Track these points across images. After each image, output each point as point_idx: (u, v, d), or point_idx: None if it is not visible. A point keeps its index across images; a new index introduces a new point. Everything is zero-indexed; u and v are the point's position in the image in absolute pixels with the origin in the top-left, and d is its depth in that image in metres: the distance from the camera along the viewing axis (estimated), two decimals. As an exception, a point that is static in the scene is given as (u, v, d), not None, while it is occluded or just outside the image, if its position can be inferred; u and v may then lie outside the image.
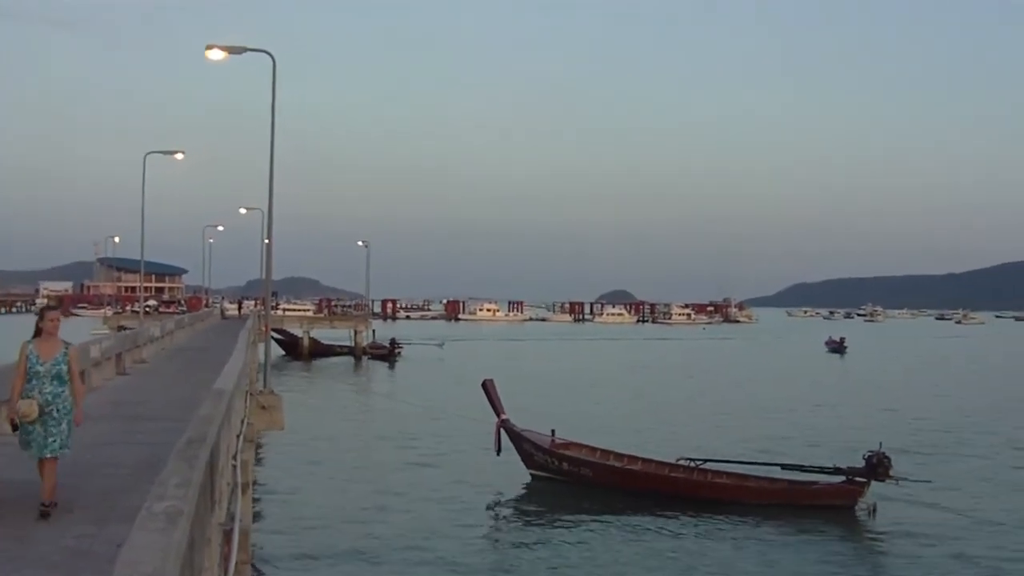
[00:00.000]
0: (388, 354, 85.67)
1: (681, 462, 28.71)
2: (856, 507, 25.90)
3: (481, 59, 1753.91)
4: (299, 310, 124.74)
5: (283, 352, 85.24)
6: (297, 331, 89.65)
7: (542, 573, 20.14)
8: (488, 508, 26.77)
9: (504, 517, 26.13)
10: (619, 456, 29.80)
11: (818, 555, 22.05)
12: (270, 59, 28.21)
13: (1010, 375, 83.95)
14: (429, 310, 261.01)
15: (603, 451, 30.10)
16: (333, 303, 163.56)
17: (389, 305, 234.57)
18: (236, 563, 9.66)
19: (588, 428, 36.68)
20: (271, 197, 30.08)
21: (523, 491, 28.46)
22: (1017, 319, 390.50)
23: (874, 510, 25.63)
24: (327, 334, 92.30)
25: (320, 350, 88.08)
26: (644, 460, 29.44)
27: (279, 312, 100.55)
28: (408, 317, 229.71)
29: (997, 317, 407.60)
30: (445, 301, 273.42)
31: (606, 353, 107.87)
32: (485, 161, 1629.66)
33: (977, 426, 44.74)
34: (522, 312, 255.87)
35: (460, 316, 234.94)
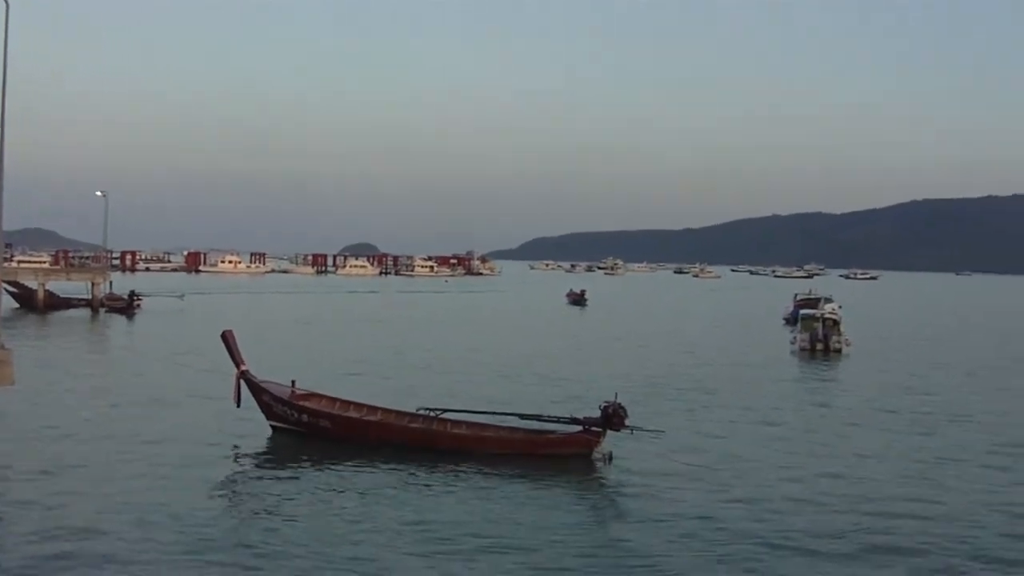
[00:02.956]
0: (127, 307, 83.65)
1: (421, 412, 28.84)
2: (592, 456, 26.47)
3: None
4: (34, 262, 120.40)
5: (16, 305, 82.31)
6: (32, 283, 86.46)
7: (274, 524, 19.97)
8: (225, 460, 26.34)
9: (241, 469, 25.75)
10: (359, 407, 29.71)
11: (555, 502, 22.47)
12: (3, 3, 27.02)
13: (749, 327, 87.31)
14: (170, 262, 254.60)
15: (343, 402, 29.98)
16: (70, 255, 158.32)
17: (129, 257, 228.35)
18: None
19: (329, 380, 36.60)
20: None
21: (262, 443, 28.11)
22: (752, 272, 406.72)
23: (610, 458, 26.30)
24: (64, 287, 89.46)
25: (56, 303, 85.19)
26: (384, 411, 29.44)
27: (13, 264, 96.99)
28: (148, 269, 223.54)
29: (733, 271, 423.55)
30: (186, 253, 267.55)
31: (348, 305, 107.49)
32: (229, 110, 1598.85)
33: (711, 377, 46.39)
34: (264, 264, 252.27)
35: (201, 268, 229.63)
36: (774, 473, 26.06)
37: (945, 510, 22.31)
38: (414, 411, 29.06)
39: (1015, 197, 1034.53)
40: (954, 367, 54.78)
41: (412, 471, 24.72)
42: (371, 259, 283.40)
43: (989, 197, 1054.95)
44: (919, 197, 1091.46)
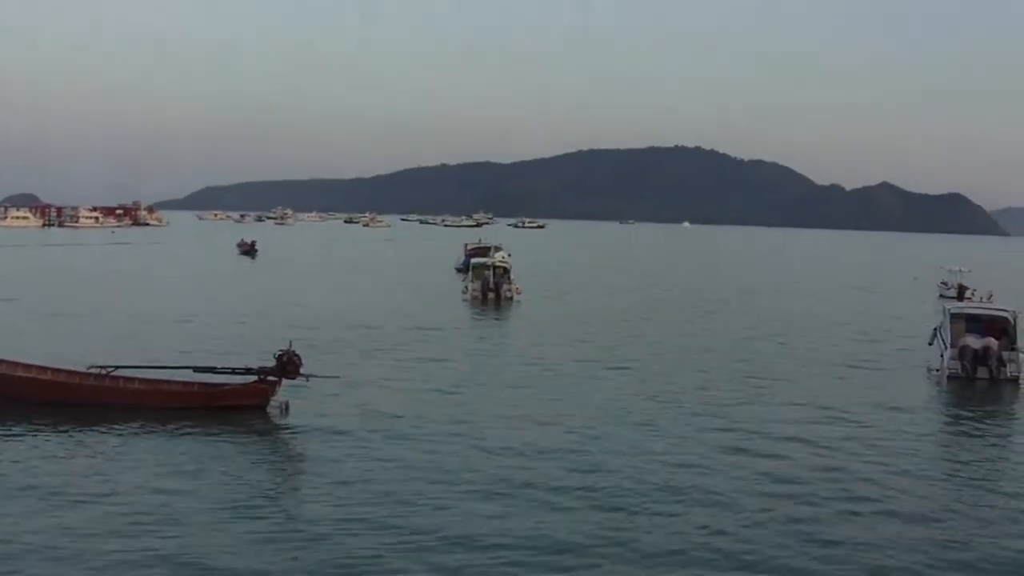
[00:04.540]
0: None
1: (92, 370, 28.39)
2: (269, 406, 26.82)
3: None
4: None
5: None
6: None
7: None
8: None
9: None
10: (27, 367, 28.91)
11: (232, 453, 22.67)
12: None
13: (421, 275, 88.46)
14: None
15: (9, 363, 29.06)
16: None
17: None
18: None
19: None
20: None
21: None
22: (422, 222, 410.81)
23: (286, 407, 26.67)
24: None
25: None
26: (54, 370, 28.76)
27: None
28: None
29: (402, 220, 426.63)
30: None
31: (11, 259, 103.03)
32: None
33: (385, 324, 47.21)
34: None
35: None
36: (445, 411, 27.32)
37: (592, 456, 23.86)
38: (85, 369, 28.56)
39: (677, 148, 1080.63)
40: (614, 311, 57.57)
41: (83, 431, 24.26)
42: (33, 210, 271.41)
43: (651, 148, 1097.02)
44: (585, 147, 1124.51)
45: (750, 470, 21.96)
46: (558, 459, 22.46)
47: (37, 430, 24.31)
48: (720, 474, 21.54)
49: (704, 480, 21.02)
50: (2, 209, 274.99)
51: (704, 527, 17.98)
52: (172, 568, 15.63)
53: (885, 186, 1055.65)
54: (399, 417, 26.48)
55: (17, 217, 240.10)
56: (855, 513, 19.16)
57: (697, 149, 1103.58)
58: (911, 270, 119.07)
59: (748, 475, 21.53)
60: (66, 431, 24.25)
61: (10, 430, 24.29)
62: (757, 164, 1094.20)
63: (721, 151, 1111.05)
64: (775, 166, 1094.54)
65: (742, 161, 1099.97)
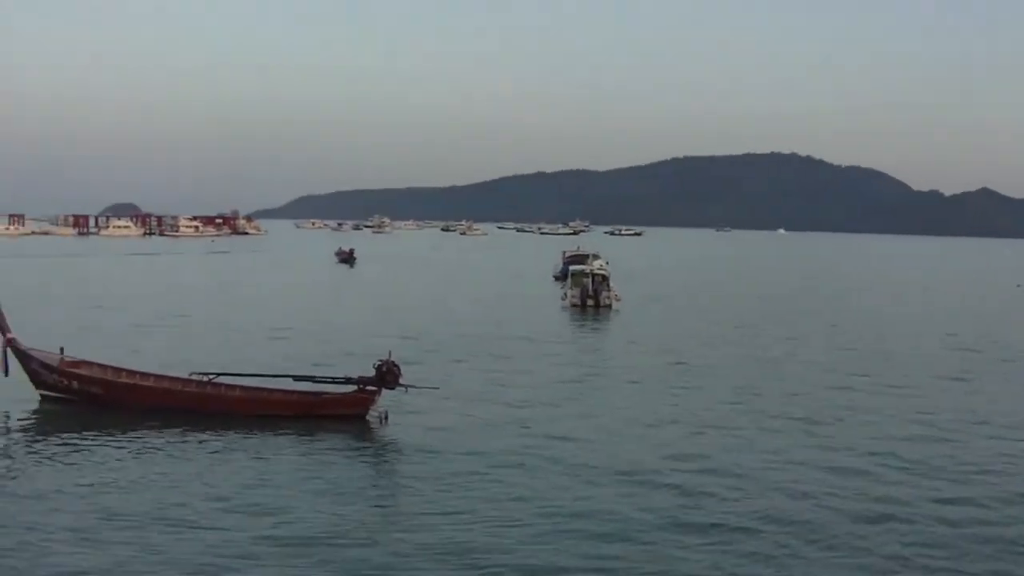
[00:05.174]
0: None
1: (194, 377, 28.59)
2: (368, 415, 26.77)
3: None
4: None
5: None
6: None
7: (45, 487, 19.69)
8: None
9: (11, 440, 25.15)
10: (131, 373, 29.23)
11: (333, 462, 22.63)
12: None
13: (519, 284, 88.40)
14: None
15: (114, 368, 29.45)
16: None
17: None
18: None
19: (99, 346, 35.84)
20: None
21: (32, 413, 27.43)
22: (518, 230, 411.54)
23: (386, 417, 26.61)
24: None
25: None
26: (156, 376, 29.07)
27: None
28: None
29: (499, 228, 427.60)
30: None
31: (114, 268, 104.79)
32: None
33: (484, 334, 47.10)
34: (23, 225, 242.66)
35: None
36: (546, 422, 26.90)
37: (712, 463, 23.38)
38: (187, 376, 28.77)
39: (772, 155, 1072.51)
40: (721, 321, 56.84)
41: (184, 437, 24.45)
42: (135, 219, 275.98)
43: (747, 155, 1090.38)
44: (680, 154, 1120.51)
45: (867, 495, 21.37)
46: (659, 474, 21.99)
47: (139, 436, 24.50)
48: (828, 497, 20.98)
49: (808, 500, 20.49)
50: (104, 219, 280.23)
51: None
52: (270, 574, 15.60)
53: (985, 192, 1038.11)
54: (499, 427, 26.25)
55: (119, 227, 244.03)
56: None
57: (793, 155, 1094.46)
58: (1016, 277, 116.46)
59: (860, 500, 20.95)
60: (168, 437, 24.39)
61: (113, 436, 24.51)
62: (853, 170, 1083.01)
63: (817, 157, 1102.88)
64: (871, 171, 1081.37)
65: (838, 167, 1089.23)
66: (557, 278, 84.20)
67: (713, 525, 18.20)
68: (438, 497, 19.61)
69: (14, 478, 21.31)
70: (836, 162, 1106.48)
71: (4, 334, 28.49)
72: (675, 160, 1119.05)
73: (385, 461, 23.70)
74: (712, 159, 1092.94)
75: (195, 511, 18.49)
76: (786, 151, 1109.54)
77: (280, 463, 22.19)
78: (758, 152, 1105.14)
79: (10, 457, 23.14)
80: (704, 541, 17.41)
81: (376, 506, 19.32)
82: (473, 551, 16.68)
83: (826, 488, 20.79)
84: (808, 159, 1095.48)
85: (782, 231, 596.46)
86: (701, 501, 19.71)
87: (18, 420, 26.71)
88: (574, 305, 60.55)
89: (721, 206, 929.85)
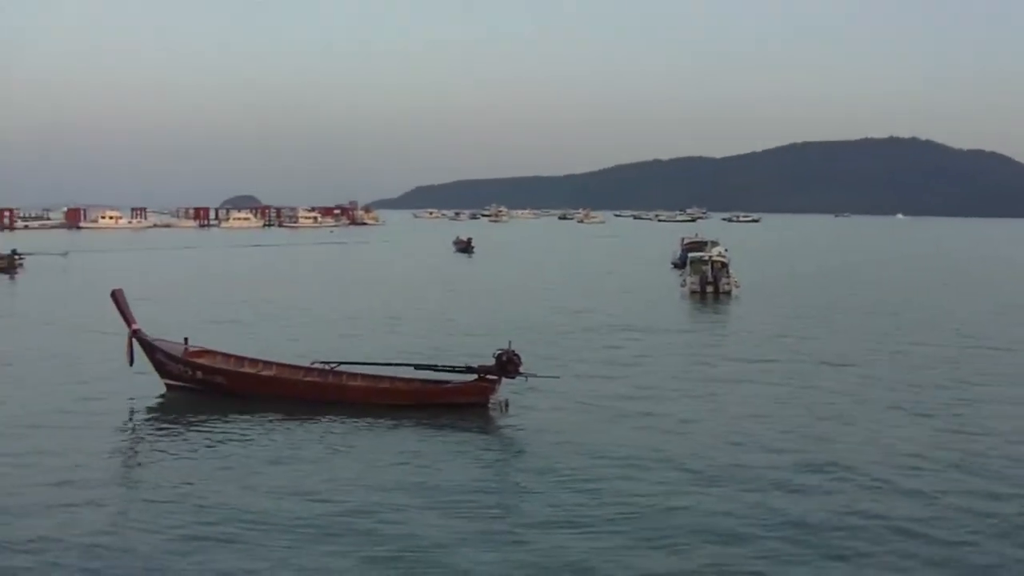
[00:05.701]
0: (9, 266, 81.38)
1: (316, 366, 28.71)
2: (489, 404, 26.61)
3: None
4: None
5: None
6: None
7: (170, 476, 19.84)
8: (122, 420, 25.98)
9: (139, 429, 25.44)
10: (253, 362, 29.48)
11: (454, 450, 22.53)
12: None
13: (637, 271, 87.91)
14: (49, 219, 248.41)
15: (237, 358, 29.71)
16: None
17: (7, 214, 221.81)
18: None
19: (224, 335, 36.19)
20: None
21: (158, 402, 27.71)
22: (635, 217, 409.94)
23: (506, 405, 26.48)
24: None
25: None
26: (279, 365, 29.26)
27: None
28: (27, 227, 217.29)
29: (616, 216, 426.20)
30: (66, 209, 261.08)
31: (235, 259, 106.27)
32: (100, 63, 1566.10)
33: (603, 322, 46.78)
34: (146, 219, 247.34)
35: (82, 224, 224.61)
36: (668, 410, 26.48)
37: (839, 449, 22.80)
38: (309, 365, 28.90)
39: (891, 139, 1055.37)
40: (844, 309, 55.73)
41: (307, 426, 24.60)
42: (254, 211, 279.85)
43: (866, 139, 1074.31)
44: (798, 140, 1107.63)
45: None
46: (783, 464, 21.47)
47: (261, 425, 24.67)
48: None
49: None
50: (224, 211, 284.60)
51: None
52: (393, 564, 15.51)
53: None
54: (619, 417, 25.89)
55: (239, 219, 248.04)
56: None
57: (912, 139, 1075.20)
58: None
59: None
60: (290, 427, 24.53)
61: (236, 424, 24.72)
62: (976, 154, 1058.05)
63: (938, 141, 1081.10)
64: (995, 155, 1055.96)
65: (959, 151, 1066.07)
66: (676, 265, 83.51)
67: (837, 528, 17.66)
68: (556, 489, 19.33)
69: (138, 466, 21.60)
70: (957, 146, 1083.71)
71: (129, 325, 28.85)
72: (792, 146, 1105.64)
73: (505, 450, 23.50)
74: (829, 144, 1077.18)
75: (317, 501, 18.48)
76: (905, 135, 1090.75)
77: (402, 453, 22.09)
78: (876, 137, 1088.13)
79: (136, 447, 23.46)
80: (823, 551, 16.97)
81: (495, 496, 19.13)
82: (591, 548, 16.33)
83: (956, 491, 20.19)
84: (928, 143, 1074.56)
85: (900, 216, 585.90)
86: (825, 502, 19.16)
87: (144, 410, 27.07)
88: (693, 292, 59.89)
89: (837, 192, 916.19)
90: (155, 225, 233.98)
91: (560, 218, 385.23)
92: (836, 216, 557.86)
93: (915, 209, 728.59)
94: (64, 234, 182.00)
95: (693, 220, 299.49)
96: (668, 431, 24.19)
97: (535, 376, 27.39)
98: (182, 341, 29.50)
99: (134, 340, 28.77)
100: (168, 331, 31.05)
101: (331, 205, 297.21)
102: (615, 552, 16.01)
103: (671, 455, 21.85)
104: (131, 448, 23.50)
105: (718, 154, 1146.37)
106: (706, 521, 17.48)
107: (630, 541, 16.53)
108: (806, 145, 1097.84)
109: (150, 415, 26.69)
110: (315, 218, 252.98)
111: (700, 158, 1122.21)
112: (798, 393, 29.55)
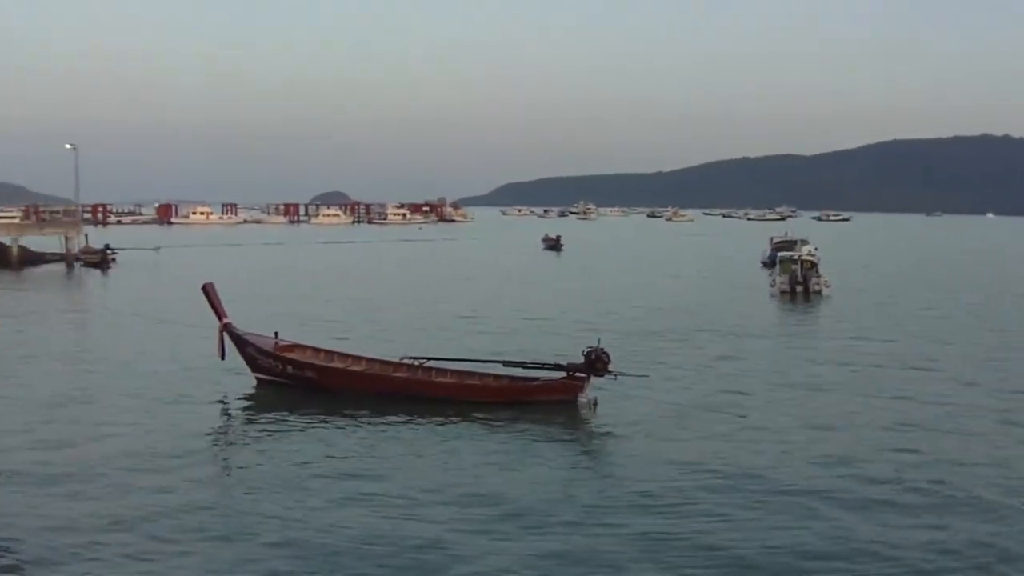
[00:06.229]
0: (101, 260, 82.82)
1: (405, 361, 28.78)
2: (578, 402, 26.47)
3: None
4: (4, 217, 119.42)
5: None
6: (5, 239, 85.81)
7: (264, 470, 19.98)
8: (214, 414, 26.27)
9: (231, 422, 25.74)
10: (343, 357, 29.63)
11: (542, 449, 22.39)
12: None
13: (726, 270, 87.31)
14: (141, 215, 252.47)
15: (327, 352, 29.91)
16: (41, 209, 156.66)
17: (100, 210, 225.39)
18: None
19: (313, 330, 36.45)
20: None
21: (249, 396, 28.00)
22: (724, 216, 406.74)
23: (595, 404, 26.32)
24: (37, 241, 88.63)
25: (30, 258, 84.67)
26: (368, 360, 29.38)
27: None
28: (120, 222, 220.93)
29: (705, 214, 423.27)
30: (157, 205, 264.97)
31: (325, 256, 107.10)
32: (193, 63, 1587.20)
33: (692, 321, 46.44)
34: (236, 215, 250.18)
35: (173, 220, 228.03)
36: (755, 419, 25.95)
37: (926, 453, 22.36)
38: (398, 360, 28.97)
39: (983, 137, 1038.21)
40: (939, 311, 54.73)
41: (397, 421, 24.64)
42: (343, 207, 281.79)
43: (957, 138, 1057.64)
44: (888, 138, 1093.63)
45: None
46: (875, 472, 21.07)
47: (351, 419, 24.80)
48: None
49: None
50: (314, 207, 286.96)
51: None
52: (485, 555, 15.48)
53: None
54: (709, 417, 25.59)
55: (328, 215, 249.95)
56: None
57: (1005, 137, 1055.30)
58: None
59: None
60: (379, 422, 24.59)
61: (326, 419, 24.87)
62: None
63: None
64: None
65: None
66: (765, 264, 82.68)
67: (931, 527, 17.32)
68: (645, 488, 19.18)
69: (227, 459, 21.80)
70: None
71: (220, 319, 29.14)
72: (881, 144, 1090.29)
73: (594, 448, 23.42)
74: (919, 142, 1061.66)
75: (402, 496, 18.53)
76: (998, 133, 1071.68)
77: (492, 449, 22.15)
78: (967, 135, 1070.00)
79: (227, 440, 23.70)
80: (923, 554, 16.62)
81: (584, 493, 18.96)
82: (677, 548, 16.20)
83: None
84: (1022, 141, 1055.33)
85: (991, 215, 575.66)
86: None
87: (235, 403, 27.35)
88: (783, 292, 59.19)
89: (928, 190, 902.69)
90: (245, 221, 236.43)
91: (648, 216, 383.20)
92: (928, 215, 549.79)
93: (1007, 208, 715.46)
94: (156, 230, 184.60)
95: (783, 219, 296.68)
96: (758, 442, 23.21)
97: (624, 375, 27.24)
98: (272, 335, 29.73)
99: (225, 334, 29.06)
100: (257, 326, 31.34)
101: (420, 202, 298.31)
102: (696, 553, 15.84)
103: (760, 469, 20.68)
104: (223, 438, 23.81)
105: (808, 151, 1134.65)
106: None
107: (719, 542, 16.32)
108: (896, 143, 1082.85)
109: (240, 409, 26.94)
110: (404, 215, 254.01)
111: (790, 155, 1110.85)
112: (891, 404, 28.10)
